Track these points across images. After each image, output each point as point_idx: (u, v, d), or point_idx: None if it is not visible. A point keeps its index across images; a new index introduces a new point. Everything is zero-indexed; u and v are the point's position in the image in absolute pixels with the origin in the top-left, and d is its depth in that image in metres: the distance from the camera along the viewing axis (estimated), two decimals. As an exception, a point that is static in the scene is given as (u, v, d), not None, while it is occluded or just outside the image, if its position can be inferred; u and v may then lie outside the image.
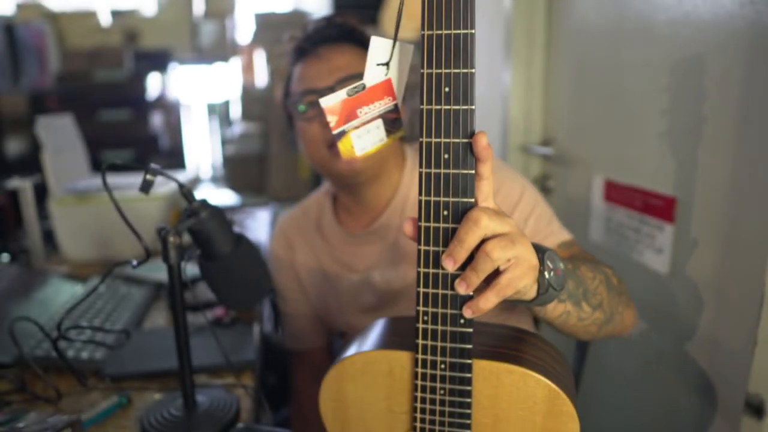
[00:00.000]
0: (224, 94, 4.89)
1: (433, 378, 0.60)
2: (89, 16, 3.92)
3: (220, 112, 4.99)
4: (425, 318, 0.58)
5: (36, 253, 1.37)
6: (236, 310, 1.02)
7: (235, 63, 4.60)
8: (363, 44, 0.97)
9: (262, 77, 4.40)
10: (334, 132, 0.63)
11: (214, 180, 4.88)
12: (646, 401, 1.19)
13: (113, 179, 1.32)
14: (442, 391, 0.60)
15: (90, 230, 1.39)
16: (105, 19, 4.04)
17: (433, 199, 0.55)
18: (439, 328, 0.58)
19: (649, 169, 1.13)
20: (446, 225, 0.55)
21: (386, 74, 0.61)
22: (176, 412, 0.75)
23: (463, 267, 0.54)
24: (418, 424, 0.62)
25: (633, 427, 1.23)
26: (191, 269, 1.16)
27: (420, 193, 0.55)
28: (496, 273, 0.54)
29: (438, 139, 0.54)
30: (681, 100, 1.03)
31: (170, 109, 4.01)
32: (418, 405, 0.62)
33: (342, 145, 0.63)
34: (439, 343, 0.59)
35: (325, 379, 0.66)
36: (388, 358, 0.62)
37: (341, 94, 0.62)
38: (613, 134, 1.25)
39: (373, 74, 0.61)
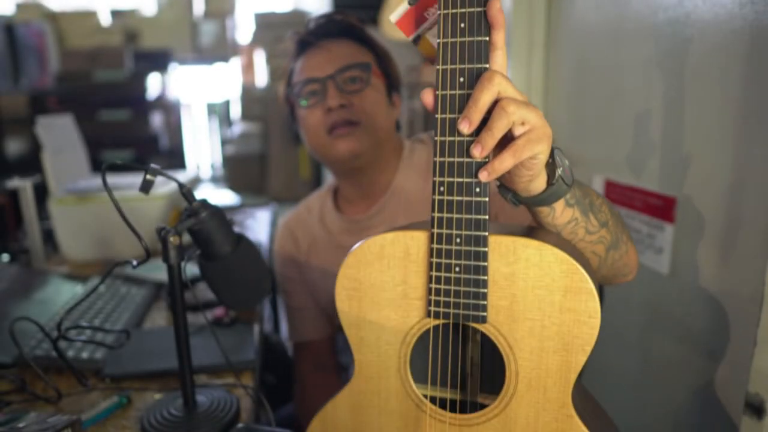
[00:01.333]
0: (224, 94, 4.89)
1: (449, 254, 0.60)
2: (89, 16, 3.93)
3: (220, 112, 4.99)
4: (441, 189, 0.59)
5: (36, 253, 1.37)
6: (236, 310, 1.02)
7: (235, 63, 4.60)
8: (361, 40, 1.00)
9: (262, 77, 4.40)
10: (410, 38, 0.65)
11: (214, 180, 4.88)
12: (646, 401, 1.19)
13: (113, 179, 1.32)
14: (457, 269, 0.60)
15: (90, 230, 1.39)
16: (105, 19, 4.04)
17: (449, 67, 0.57)
18: (455, 198, 0.58)
19: (649, 169, 1.13)
20: (462, 92, 0.56)
21: None
22: (176, 412, 0.75)
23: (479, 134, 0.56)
24: (432, 308, 0.62)
25: (633, 426, 1.23)
26: (191, 269, 1.16)
27: (437, 63, 0.57)
28: (511, 140, 0.55)
29: (455, 10, 0.56)
30: (681, 100, 1.03)
31: (170, 109, 4.01)
32: (433, 286, 0.61)
33: (421, 48, 0.65)
34: (454, 215, 0.59)
35: (342, 268, 0.67)
36: (405, 237, 0.63)
37: (404, 6, 0.64)
38: (613, 134, 1.25)
39: None
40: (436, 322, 0.63)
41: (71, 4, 4.02)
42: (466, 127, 0.55)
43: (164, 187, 1.42)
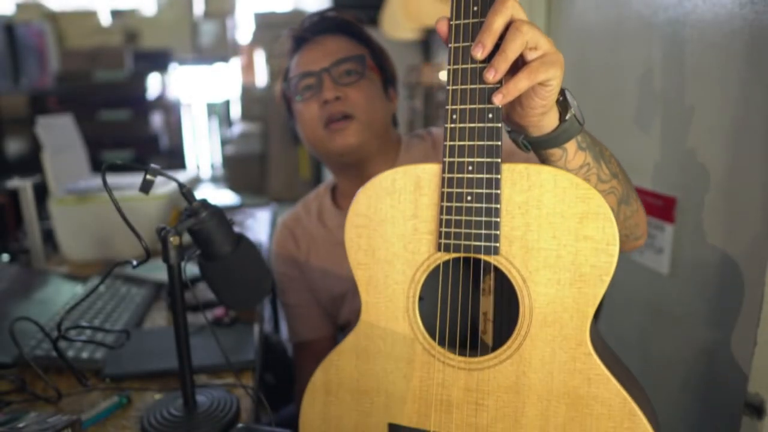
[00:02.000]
0: (224, 94, 4.89)
1: (460, 183, 0.59)
2: (89, 16, 3.93)
3: (220, 112, 4.99)
4: (454, 117, 0.58)
5: (36, 253, 1.37)
6: (236, 310, 1.02)
7: (235, 63, 4.60)
8: (355, 35, 1.01)
9: (262, 77, 4.40)
10: None
11: (214, 180, 4.88)
12: (646, 401, 1.19)
13: (113, 179, 1.32)
14: (469, 198, 0.59)
15: (90, 230, 1.39)
16: (105, 19, 4.04)
17: None
18: (467, 125, 0.58)
19: (649, 169, 1.13)
20: (476, 20, 0.57)
21: None
22: (176, 412, 0.75)
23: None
24: (443, 240, 0.60)
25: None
26: (191, 269, 1.16)
27: None
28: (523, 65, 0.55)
29: None
30: (681, 100, 1.03)
31: (170, 109, 4.01)
32: (444, 217, 0.60)
33: None
34: (467, 142, 0.58)
35: (352, 206, 0.66)
36: (416, 170, 0.62)
37: None
38: (612, 134, 1.24)
39: None
40: (447, 256, 0.61)
41: (71, 4, 4.02)
42: (479, 52, 0.55)
43: (164, 187, 1.42)
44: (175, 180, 0.71)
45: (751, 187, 0.90)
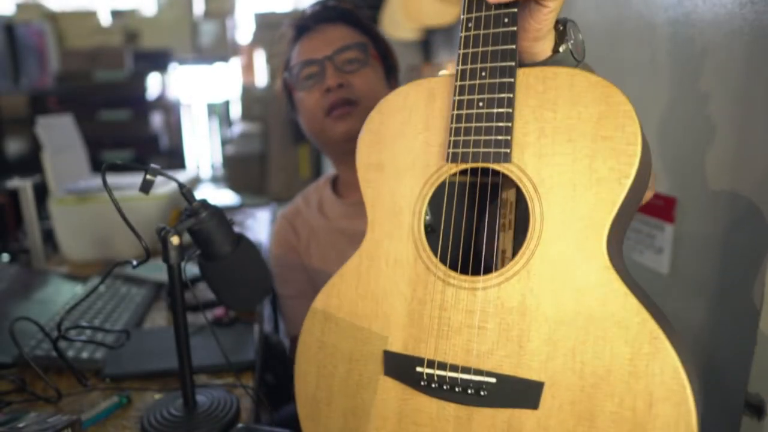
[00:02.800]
0: (224, 94, 4.88)
1: (472, 89, 0.57)
2: (89, 16, 3.93)
3: (220, 112, 4.99)
4: (469, 25, 0.57)
5: (36, 253, 1.37)
6: (236, 310, 1.02)
7: (235, 63, 4.60)
8: (356, 23, 1.00)
9: (262, 77, 4.40)
10: None
11: (214, 180, 4.88)
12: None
13: (113, 179, 1.32)
14: (480, 104, 0.56)
15: (90, 230, 1.39)
16: (105, 19, 4.04)
17: None
18: (482, 32, 0.56)
19: (649, 169, 1.13)
20: None
21: None
22: (176, 412, 0.75)
23: None
24: (451, 149, 0.58)
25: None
26: (191, 269, 1.16)
27: None
28: None
29: None
30: (681, 100, 1.03)
31: (170, 109, 4.01)
32: (454, 125, 0.58)
33: None
34: (480, 48, 0.57)
35: (365, 125, 0.65)
36: (429, 83, 0.61)
37: None
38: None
39: None
40: (456, 168, 0.58)
41: (71, 4, 4.02)
42: None
43: (164, 187, 1.42)
44: (175, 180, 0.71)
45: (751, 186, 0.90)
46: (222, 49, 4.43)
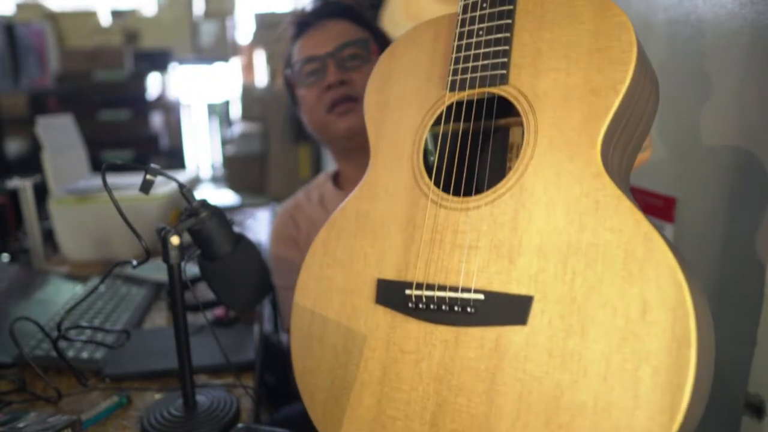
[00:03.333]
0: (224, 94, 4.88)
1: (473, 20, 0.59)
2: (89, 16, 3.93)
3: (220, 112, 4.99)
4: None
5: (36, 253, 1.37)
6: (236, 311, 1.02)
7: (235, 63, 4.60)
8: (358, 19, 1.00)
9: (262, 77, 4.40)
10: None
11: (214, 180, 4.88)
12: (646, 401, 1.19)
13: (113, 179, 1.32)
14: (481, 32, 0.59)
15: (90, 230, 1.39)
16: (105, 19, 4.04)
17: None
18: None
19: (649, 169, 1.12)
20: None
21: None
22: (176, 412, 0.75)
23: None
24: (450, 78, 0.60)
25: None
26: (191, 269, 1.16)
27: None
28: None
29: None
30: (680, 99, 1.03)
31: (170, 109, 4.01)
32: (453, 55, 0.60)
33: None
34: None
35: (377, 65, 0.68)
36: (438, 20, 0.64)
37: None
38: (613, 134, 1.25)
39: None
40: (455, 96, 0.60)
41: (71, 4, 4.02)
42: None
43: (164, 187, 1.42)
44: (175, 180, 0.71)
45: (751, 186, 0.90)
46: (222, 49, 4.43)
